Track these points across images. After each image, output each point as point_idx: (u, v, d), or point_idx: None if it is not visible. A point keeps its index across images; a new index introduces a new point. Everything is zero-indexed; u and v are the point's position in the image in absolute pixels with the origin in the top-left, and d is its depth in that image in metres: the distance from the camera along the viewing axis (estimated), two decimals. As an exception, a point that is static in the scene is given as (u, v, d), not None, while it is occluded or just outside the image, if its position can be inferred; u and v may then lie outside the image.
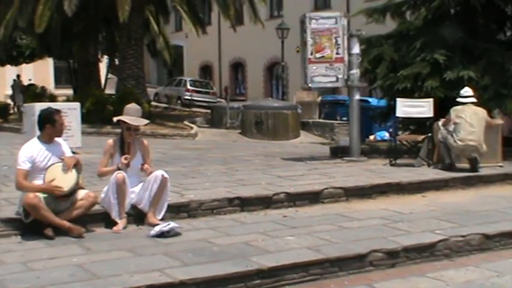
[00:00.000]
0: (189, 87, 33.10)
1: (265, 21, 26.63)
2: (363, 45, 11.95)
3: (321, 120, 23.72)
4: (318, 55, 10.37)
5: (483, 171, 9.23)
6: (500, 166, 9.77)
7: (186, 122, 22.25)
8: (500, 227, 6.40)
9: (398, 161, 10.14)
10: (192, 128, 20.82)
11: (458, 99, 9.63)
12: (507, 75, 10.85)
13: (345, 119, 19.97)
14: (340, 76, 10.48)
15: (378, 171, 9.37)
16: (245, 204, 7.12)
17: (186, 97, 32.37)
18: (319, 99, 25.51)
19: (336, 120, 22.52)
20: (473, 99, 9.61)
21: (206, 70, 42.38)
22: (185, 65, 43.42)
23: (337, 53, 10.39)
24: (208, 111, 25.95)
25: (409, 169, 9.50)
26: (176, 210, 6.71)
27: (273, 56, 33.18)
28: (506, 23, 12.55)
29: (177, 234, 5.99)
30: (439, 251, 5.83)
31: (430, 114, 10.13)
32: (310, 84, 10.82)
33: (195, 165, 10.32)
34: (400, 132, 11.96)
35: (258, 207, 7.17)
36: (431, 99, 10.32)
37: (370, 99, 20.13)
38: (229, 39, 35.12)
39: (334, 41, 10.36)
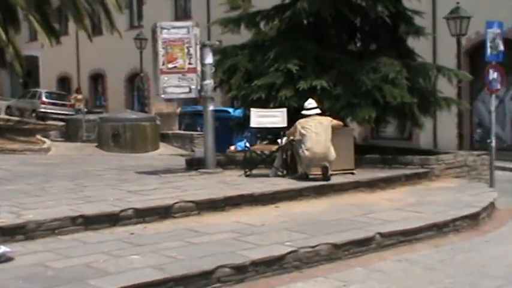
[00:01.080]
0: (44, 99, 31.63)
1: (125, 32, 26.03)
2: (218, 56, 11.85)
3: (180, 132, 23.43)
4: (170, 65, 10.06)
5: (335, 180, 9.31)
6: (353, 174, 9.93)
7: (38, 136, 21.10)
8: (349, 236, 6.42)
9: (254, 172, 10.03)
10: (44, 142, 19.76)
11: (303, 112, 9.73)
12: (358, 84, 11.10)
13: (205, 129, 19.77)
14: (193, 87, 10.22)
15: (232, 182, 9.20)
16: (89, 222, 6.68)
17: (41, 110, 30.93)
18: (179, 110, 25.22)
19: (197, 131, 22.29)
20: (317, 110, 9.74)
21: (64, 81, 40.80)
22: (41, 77, 41.57)
23: (189, 63, 10.13)
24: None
25: (263, 180, 9.40)
26: (11, 233, 6.15)
27: (133, 67, 32.41)
28: (356, 34, 12.92)
29: (8, 259, 5.45)
30: (289, 263, 5.72)
31: (284, 124, 10.11)
32: (162, 95, 10.53)
33: (41, 182, 9.65)
34: (258, 142, 11.91)
35: (103, 225, 6.74)
36: (284, 109, 10.32)
37: (230, 110, 20.09)
38: (88, 50, 33.94)
39: (186, 51, 10.11)
